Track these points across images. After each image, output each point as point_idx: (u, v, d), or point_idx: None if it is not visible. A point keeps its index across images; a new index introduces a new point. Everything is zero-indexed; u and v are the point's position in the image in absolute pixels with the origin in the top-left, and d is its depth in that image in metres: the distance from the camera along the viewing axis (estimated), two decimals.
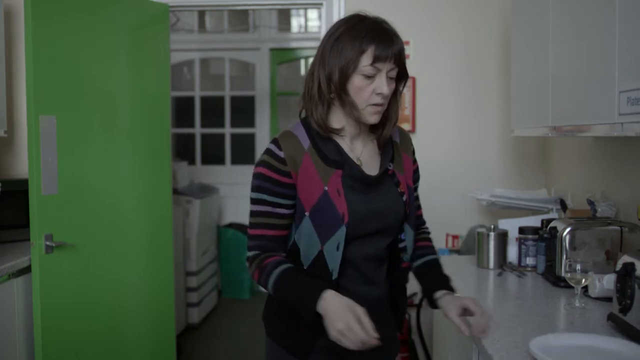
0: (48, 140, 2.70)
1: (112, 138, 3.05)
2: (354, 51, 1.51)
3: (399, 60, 1.55)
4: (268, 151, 1.56)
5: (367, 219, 1.58)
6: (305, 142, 1.58)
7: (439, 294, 1.64)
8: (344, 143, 1.62)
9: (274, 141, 1.57)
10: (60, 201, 2.75)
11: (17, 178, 3.13)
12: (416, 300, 3.38)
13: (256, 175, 1.56)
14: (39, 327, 2.68)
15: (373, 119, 1.57)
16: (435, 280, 1.69)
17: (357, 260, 1.59)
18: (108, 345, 3.01)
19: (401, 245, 1.65)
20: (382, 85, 1.52)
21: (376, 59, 1.50)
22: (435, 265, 1.75)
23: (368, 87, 1.52)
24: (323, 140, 1.59)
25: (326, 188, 1.55)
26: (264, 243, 1.57)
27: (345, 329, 1.36)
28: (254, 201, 1.57)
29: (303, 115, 1.64)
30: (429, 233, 1.85)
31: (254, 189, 1.56)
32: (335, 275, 1.56)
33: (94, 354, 2.94)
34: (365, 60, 1.51)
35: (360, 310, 1.39)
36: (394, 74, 1.55)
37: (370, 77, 1.52)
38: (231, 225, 5.81)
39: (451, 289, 1.66)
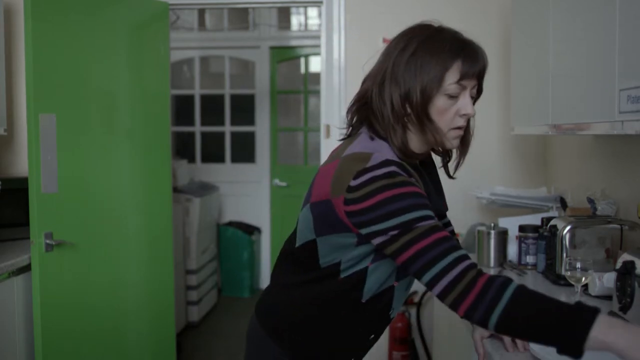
0: (48, 138, 2.70)
1: (112, 136, 3.05)
2: (437, 67, 1.33)
3: (482, 76, 1.39)
4: (397, 174, 1.28)
5: None
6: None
7: None
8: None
9: (395, 163, 1.30)
10: (60, 199, 2.75)
11: (17, 176, 3.13)
12: (416, 299, 3.38)
13: (404, 195, 1.26)
14: (38, 325, 2.68)
15: (455, 143, 1.41)
16: None
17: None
18: (108, 344, 3.02)
19: None
20: (467, 105, 1.36)
21: (463, 76, 1.34)
22: None
23: (451, 109, 1.36)
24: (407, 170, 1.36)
25: None
26: (456, 244, 1.28)
27: None
28: (417, 220, 1.25)
29: (362, 135, 1.42)
30: (454, 232, 1.77)
31: (411, 208, 1.26)
32: (393, 315, 1.52)
33: (94, 352, 2.94)
34: (451, 77, 1.33)
35: None
36: (474, 92, 1.40)
37: (454, 97, 1.35)
38: (231, 224, 5.81)
39: None
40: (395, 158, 1.34)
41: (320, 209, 1.39)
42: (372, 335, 1.56)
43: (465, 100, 1.36)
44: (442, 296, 1.24)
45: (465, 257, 1.24)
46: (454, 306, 1.23)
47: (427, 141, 1.40)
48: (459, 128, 1.39)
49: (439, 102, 1.35)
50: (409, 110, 1.36)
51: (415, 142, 1.41)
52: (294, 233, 1.54)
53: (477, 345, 1.60)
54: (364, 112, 1.44)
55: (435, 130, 1.36)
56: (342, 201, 1.32)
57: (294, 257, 1.52)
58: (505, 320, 1.19)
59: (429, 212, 1.28)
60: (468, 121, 1.44)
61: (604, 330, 1.13)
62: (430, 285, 1.25)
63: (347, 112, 1.49)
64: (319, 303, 1.47)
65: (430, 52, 1.34)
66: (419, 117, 1.35)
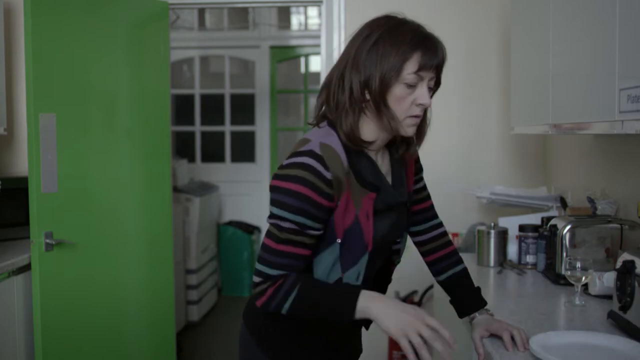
0: (48, 138, 2.70)
1: (112, 136, 3.05)
2: (397, 57, 1.37)
3: (440, 69, 1.45)
4: (311, 169, 1.35)
5: (387, 242, 1.54)
6: (344, 160, 1.40)
7: (478, 316, 1.65)
8: (376, 159, 1.49)
9: (315, 156, 1.37)
10: (60, 199, 2.75)
11: (17, 176, 3.13)
12: (416, 299, 3.38)
13: (292, 194, 1.34)
14: (38, 324, 2.68)
15: (411, 131, 1.45)
16: (468, 295, 1.70)
17: (367, 279, 1.53)
18: (108, 343, 3.02)
19: (395, 247, 1.62)
20: (424, 95, 1.41)
21: (421, 67, 1.38)
22: (467, 277, 1.72)
23: (408, 97, 1.40)
24: (357, 156, 1.44)
25: (358, 212, 1.43)
26: (294, 263, 1.39)
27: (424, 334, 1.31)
28: (283, 219, 1.37)
29: (322, 123, 1.48)
30: (446, 232, 1.78)
31: (288, 208, 1.35)
32: None
33: (94, 351, 2.94)
34: (410, 67, 1.37)
35: (423, 312, 1.34)
36: (432, 83, 1.45)
37: (411, 87, 1.39)
38: (231, 223, 5.81)
39: (484, 303, 1.69)
40: (332, 147, 1.39)
41: None
42: (345, 333, 1.59)
43: (422, 90, 1.41)
44: (253, 286, 1.44)
45: (285, 275, 1.39)
46: (255, 298, 1.43)
47: (383, 128, 1.44)
48: (415, 117, 1.43)
49: (397, 91, 1.39)
50: (367, 96, 1.40)
51: (371, 129, 1.45)
52: None
53: (477, 345, 1.60)
54: (325, 98, 1.49)
55: (391, 117, 1.40)
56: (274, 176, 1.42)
57: None
58: (293, 309, 1.40)
59: (301, 219, 1.36)
60: (425, 112, 1.49)
61: (365, 303, 1.34)
62: (254, 272, 1.43)
63: (317, 99, 1.53)
64: None
65: (392, 42, 1.38)
66: (376, 103, 1.40)
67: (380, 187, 1.46)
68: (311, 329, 1.53)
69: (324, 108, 1.50)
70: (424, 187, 1.74)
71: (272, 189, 1.38)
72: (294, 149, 1.42)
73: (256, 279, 1.41)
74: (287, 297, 1.38)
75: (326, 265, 1.45)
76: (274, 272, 1.39)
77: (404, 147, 1.55)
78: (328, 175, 1.36)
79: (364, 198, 1.43)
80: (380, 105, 1.39)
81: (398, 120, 1.41)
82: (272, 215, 1.39)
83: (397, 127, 1.42)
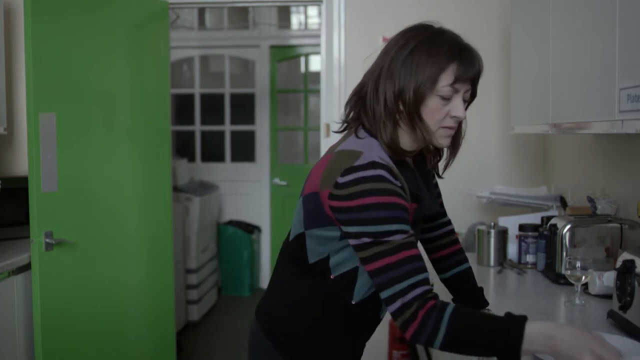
0: (48, 137, 2.70)
1: (112, 135, 3.05)
2: (433, 69, 1.34)
3: (476, 81, 1.42)
4: (384, 179, 1.30)
5: None
6: (396, 170, 1.37)
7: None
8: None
9: (382, 166, 1.32)
10: (60, 199, 2.75)
11: (17, 175, 3.13)
12: None
13: (383, 206, 1.28)
14: (38, 324, 2.68)
15: (445, 142, 1.42)
16: (472, 294, 1.72)
17: None
18: (108, 342, 3.02)
19: None
20: (459, 108, 1.38)
21: (457, 79, 1.35)
22: (471, 277, 1.74)
23: (443, 109, 1.37)
24: (401, 166, 1.40)
25: None
26: (418, 264, 1.30)
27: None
28: (385, 234, 1.28)
29: (361, 132, 1.43)
30: (454, 230, 1.78)
31: (385, 221, 1.28)
32: (383, 316, 1.55)
33: (94, 350, 2.95)
34: (445, 80, 1.35)
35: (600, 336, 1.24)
36: (467, 95, 1.42)
37: (446, 99, 1.37)
38: (231, 223, 5.81)
39: (486, 304, 1.71)
40: (384, 159, 1.36)
41: (310, 201, 1.41)
42: (364, 336, 1.57)
43: (457, 102, 1.38)
44: (394, 316, 1.29)
45: (420, 284, 1.27)
46: (402, 329, 1.28)
47: (417, 139, 1.42)
48: (448, 128, 1.41)
49: (431, 103, 1.36)
50: (401, 107, 1.37)
51: (405, 140, 1.43)
52: (290, 229, 1.56)
53: None
54: (359, 107, 1.46)
55: (425, 129, 1.38)
56: (327, 195, 1.35)
57: (289, 253, 1.53)
58: (447, 345, 1.25)
59: (404, 227, 1.30)
60: (460, 123, 1.46)
61: (532, 329, 1.21)
62: (386, 303, 1.30)
63: (345, 105, 1.50)
64: (315, 304, 1.48)
65: (428, 53, 1.35)
66: (410, 115, 1.37)
67: (422, 198, 1.44)
68: (335, 336, 1.51)
69: (351, 114, 1.48)
70: (437, 185, 1.74)
71: (350, 209, 1.31)
72: (345, 163, 1.34)
73: (394, 307, 1.28)
74: (437, 331, 1.24)
75: None
76: (405, 283, 1.27)
77: (437, 157, 1.54)
78: (397, 183, 1.34)
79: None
80: (414, 118, 1.37)
81: (432, 132, 1.39)
82: (367, 234, 1.29)
83: (431, 138, 1.40)
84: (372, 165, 1.32)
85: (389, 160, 1.38)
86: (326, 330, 1.50)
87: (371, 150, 1.37)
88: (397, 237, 1.28)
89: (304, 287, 1.49)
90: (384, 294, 1.29)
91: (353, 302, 1.46)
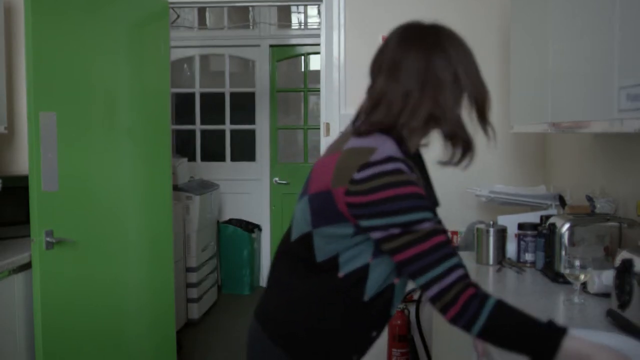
0: (48, 136, 2.70)
1: (113, 135, 3.05)
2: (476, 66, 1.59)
3: None
4: (402, 171, 1.33)
5: None
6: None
7: None
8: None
9: (398, 160, 1.35)
10: (61, 197, 2.76)
11: (18, 174, 3.14)
12: (415, 296, 3.39)
13: (406, 197, 1.31)
14: (39, 322, 2.69)
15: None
16: None
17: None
18: (108, 341, 3.02)
19: None
20: None
21: None
22: None
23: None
24: (413, 160, 1.45)
25: None
26: (450, 250, 1.32)
27: None
28: (413, 223, 1.30)
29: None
30: None
31: (411, 210, 1.30)
32: (393, 312, 1.54)
33: (95, 348, 2.95)
34: None
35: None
36: None
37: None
38: (231, 221, 5.81)
39: None
40: (398, 154, 1.37)
41: (319, 200, 1.41)
42: (374, 333, 1.56)
43: None
44: (432, 301, 1.31)
45: (457, 267, 1.30)
46: (442, 312, 1.30)
47: (426, 138, 1.52)
48: None
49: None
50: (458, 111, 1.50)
51: (420, 137, 1.51)
52: (289, 230, 1.54)
53: (476, 342, 1.60)
54: (384, 111, 1.44)
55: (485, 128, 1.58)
56: (343, 192, 1.35)
57: (291, 255, 1.52)
58: (484, 334, 1.28)
59: (430, 215, 1.32)
60: None
61: (574, 341, 1.26)
62: (423, 289, 1.32)
63: (370, 115, 1.46)
64: (319, 303, 1.47)
65: (469, 53, 1.63)
66: (480, 117, 1.57)
67: (430, 193, 1.49)
68: (341, 335, 1.51)
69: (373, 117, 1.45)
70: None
71: (373, 203, 1.32)
72: (360, 160, 1.35)
73: (432, 292, 1.30)
74: (478, 316, 1.27)
75: (384, 269, 1.43)
76: (441, 268, 1.29)
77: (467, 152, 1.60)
78: (414, 175, 1.38)
79: None
80: (483, 119, 1.58)
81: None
82: (395, 225, 1.31)
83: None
84: (390, 159, 1.34)
85: (402, 155, 1.40)
86: (332, 329, 1.49)
87: (384, 145, 1.38)
88: (426, 225, 1.30)
89: (309, 287, 1.48)
90: (419, 281, 1.31)
91: (365, 300, 1.45)
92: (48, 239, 2.71)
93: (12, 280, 2.65)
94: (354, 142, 1.42)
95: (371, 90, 1.48)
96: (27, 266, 2.72)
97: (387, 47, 1.49)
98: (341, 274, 1.43)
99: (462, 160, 1.55)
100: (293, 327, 1.50)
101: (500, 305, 1.29)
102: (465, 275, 1.30)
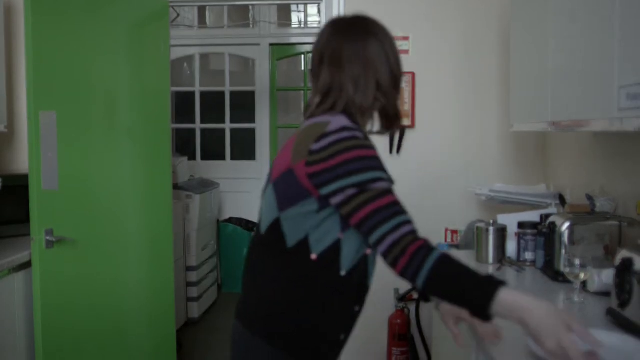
0: (48, 135, 2.70)
1: (113, 134, 3.05)
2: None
3: None
4: (359, 137, 1.42)
5: None
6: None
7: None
8: None
9: (353, 128, 1.43)
10: (61, 196, 2.76)
11: (18, 173, 3.14)
12: (415, 295, 3.39)
13: (362, 158, 1.39)
14: (39, 321, 2.69)
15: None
16: None
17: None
18: (108, 340, 3.02)
19: None
20: None
21: None
22: None
23: None
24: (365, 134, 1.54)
25: None
26: (404, 208, 1.38)
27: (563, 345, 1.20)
28: (369, 182, 1.37)
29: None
30: None
31: (366, 170, 1.37)
32: (370, 282, 1.56)
33: (95, 348, 2.95)
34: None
35: (573, 320, 1.24)
36: None
37: None
38: (231, 220, 5.82)
39: None
40: (352, 125, 1.45)
41: (283, 182, 1.47)
42: (357, 308, 1.58)
43: None
44: (384, 255, 1.36)
45: (408, 222, 1.36)
46: (393, 265, 1.35)
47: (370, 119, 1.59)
48: None
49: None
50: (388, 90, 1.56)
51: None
52: (258, 226, 1.58)
53: (450, 327, 1.57)
54: (334, 98, 1.54)
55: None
56: (303, 164, 1.42)
57: (263, 247, 1.55)
58: (428, 284, 1.32)
59: (385, 175, 1.40)
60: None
61: (511, 293, 1.27)
62: (376, 245, 1.37)
63: (320, 104, 1.55)
64: (299, 289, 1.49)
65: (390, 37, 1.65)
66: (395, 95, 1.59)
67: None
68: (326, 315, 1.52)
69: (324, 105, 1.54)
70: None
71: (331, 168, 1.38)
72: (316, 132, 1.43)
73: (384, 246, 1.35)
74: (421, 268, 1.31)
75: (354, 242, 1.47)
76: (393, 222, 1.35)
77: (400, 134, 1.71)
78: (368, 142, 1.46)
79: None
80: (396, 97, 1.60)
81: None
82: (352, 186, 1.37)
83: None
84: (344, 128, 1.42)
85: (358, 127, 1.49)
86: (315, 313, 1.51)
87: (338, 118, 1.46)
88: (380, 184, 1.38)
89: (285, 276, 1.50)
90: (372, 238, 1.36)
91: (342, 275, 1.48)
92: (48, 237, 2.71)
93: (12, 279, 2.65)
94: (308, 122, 1.51)
95: (317, 83, 1.57)
96: (27, 265, 2.72)
97: (322, 42, 1.59)
98: (314, 255, 1.46)
99: (393, 130, 1.65)
100: (277, 320, 1.51)
101: (445, 257, 1.33)
102: (415, 231, 1.36)
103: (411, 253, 1.31)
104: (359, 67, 1.52)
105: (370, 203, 1.36)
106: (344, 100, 1.51)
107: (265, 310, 1.53)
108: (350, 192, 1.37)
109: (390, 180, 1.40)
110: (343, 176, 1.37)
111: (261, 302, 1.55)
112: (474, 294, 1.28)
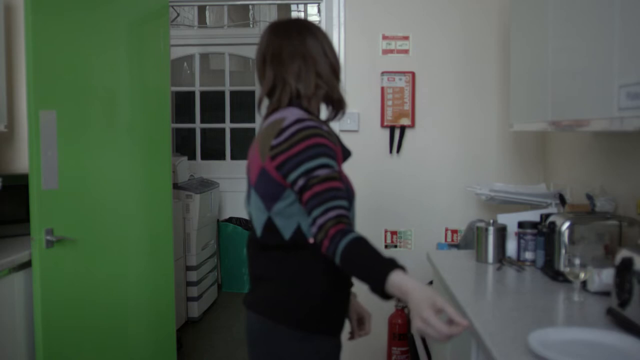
0: (48, 135, 2.70)
1: (112, 133, 3.05)
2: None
3: None
4: (313, 125, 1.58)
5: None
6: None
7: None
8: None
9: (308, 119, 1.60)
10: (61, 196, 2.76)
11: (18, 173, 3.14)
12: None
13: (312, 146, 1.54)
14: (39, 321, 2.69)
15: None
16: None
17: None
18: (108, 339, 3.02)
19: None
20: None
21: None
22: None
23: None
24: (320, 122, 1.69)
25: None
26: (341, 193, 1.53)
27: (428, 322, 1.33)
28: (315, 169, 1.53)
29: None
30: None
31: (317, 156, 1.54)
32: None
33: (95, 347, 2.95)
34: None
35: (441, 301, 1.35)
36: None
37: None
38: (231, 220, 5.82)
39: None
40: (305, 116, 1.61)
41: (261, 182, 1.62)
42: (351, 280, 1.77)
43: None
44: (315, 236, 1.51)
45: (336, 208, 1.50)
46: (321, 245, 1.49)
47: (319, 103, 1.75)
48: None
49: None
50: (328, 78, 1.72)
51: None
52: (252, 231, 1.70)
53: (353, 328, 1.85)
54: (279, 92, 1.70)
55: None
56: (269, 159, 1.58)
57: (264, 247, 1.67)
58: (342, 261, 1.46)
59: (330, 162, 1.55)
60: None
61: (400, 276, 1.40)
62: (310, 227, 1.53)
63: (269, 94, 1.72)
64: (307, 276, 1.65)
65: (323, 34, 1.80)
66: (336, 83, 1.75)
67: (342, 146, 1.73)
68: (334, 291, 1.70)
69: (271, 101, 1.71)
70: None
71: (292, 156, 1.54)
72: (274, 130, 1.60)
73: (314, 228, 1.50)
74: (336, 248, 1.46)
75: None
76: (324, 207, 1.49)
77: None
78: (324, 127, 1.63)
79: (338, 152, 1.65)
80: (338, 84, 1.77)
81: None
82: (305, 173, 1.52)
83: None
84: (298, 121, 1.58)
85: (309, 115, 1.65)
86: (323, 286, 1.66)
87: (291, 112, 1.63)
88: (324, 171, 1.52)
89: (292, 267, 1.64)
90: (309, 220, 1.52)
91: None
92: (48, 237, 2.71)
93: (12, 279, 2.65)
94: (266, 123, 1.68)
95: (263, 81, 1.72)
96: (27, 264, 2.72)
97: (263, 43, 1.73)
98: (311, 239, 1.61)
99: (337, 116, 1.79)
100: (294, 304, 1.65)
101: (359, 239, 1.46)
102: (344, 216, 1.49)
103: (331, 236, 1.46)
104: (299, 61, 1.67)
105: (312, 188, 1.51)
106: (287, 92, 1.67)
107: (280, 298, 1.66)
108: (302, 181, 1.52)
109: (334, 168, 1.54)
110: (299, 163, 1.53)
111: (276, 292, 1.66)
112: (373, 274, 1.43)
